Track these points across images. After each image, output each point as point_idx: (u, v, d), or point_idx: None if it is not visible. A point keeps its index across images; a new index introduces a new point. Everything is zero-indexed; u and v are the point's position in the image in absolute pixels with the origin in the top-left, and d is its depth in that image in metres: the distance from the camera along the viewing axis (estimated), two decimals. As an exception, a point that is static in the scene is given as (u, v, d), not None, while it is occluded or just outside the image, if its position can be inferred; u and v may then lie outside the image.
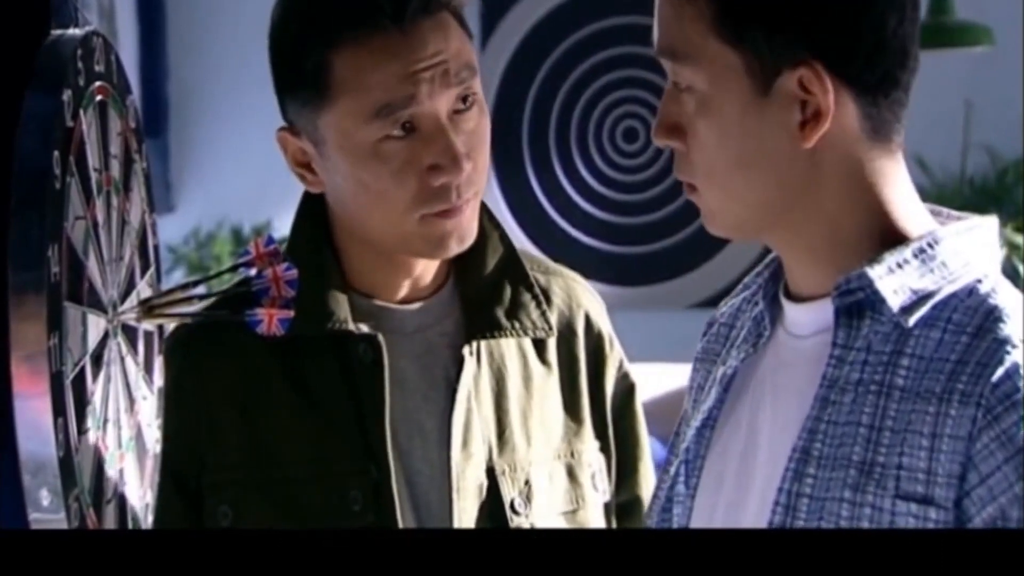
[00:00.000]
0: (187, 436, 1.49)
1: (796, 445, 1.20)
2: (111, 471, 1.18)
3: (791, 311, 1.28)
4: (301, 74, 1.49)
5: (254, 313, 1.21)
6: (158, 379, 1.36)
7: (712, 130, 1.21)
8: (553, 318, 1.62)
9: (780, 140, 1.20)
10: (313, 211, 1.59)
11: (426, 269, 1.58)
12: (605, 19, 5.46)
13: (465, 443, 1.55)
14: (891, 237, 1.22)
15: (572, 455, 1.62)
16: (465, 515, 1.53)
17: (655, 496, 1.40)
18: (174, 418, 1.53)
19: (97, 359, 1.15)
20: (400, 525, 1.51)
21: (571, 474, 1.61)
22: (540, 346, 1.63)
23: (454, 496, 1.53)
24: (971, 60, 4.29)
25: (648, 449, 1.71)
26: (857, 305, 1.21)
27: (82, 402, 1.10)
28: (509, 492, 1.56)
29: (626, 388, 1.68)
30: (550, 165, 5.40)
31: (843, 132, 1.20)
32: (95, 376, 1.14)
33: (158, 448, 1.43)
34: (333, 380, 1.54)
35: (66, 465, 1.03)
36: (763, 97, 1.20)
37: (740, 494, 1.27)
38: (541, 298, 1.62)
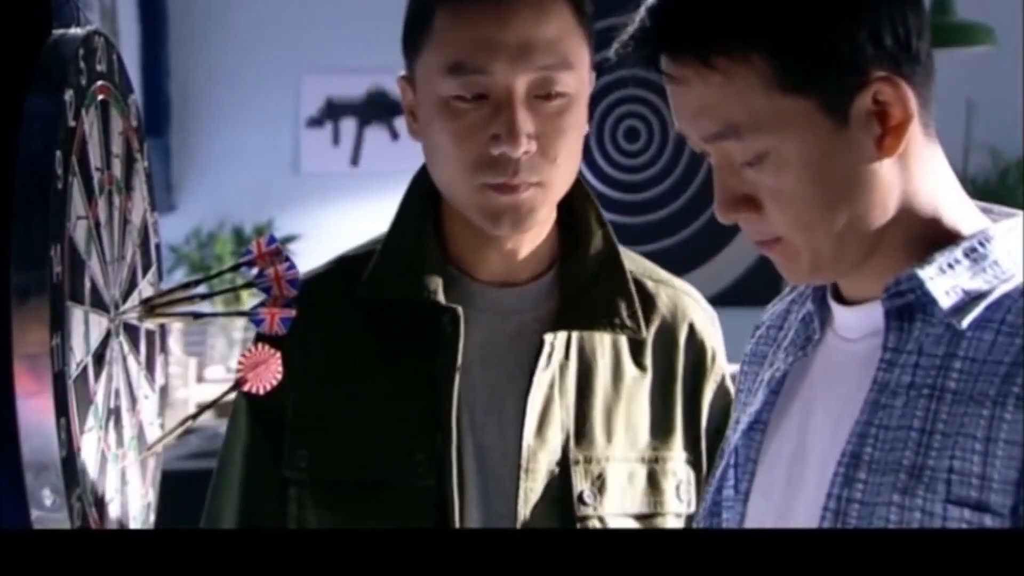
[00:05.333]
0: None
1: (845, 450, 1.18)
2: (113, 470, 1.18)
3: (840, 314, 1.26)
4: (412, 19, 1.57)
5: (256, 312, 1.21)
6: (160, 378, 1.36)
7: (797, 182, 1.17)
8: (654, 324, 1.65)
9: (867, 160, 1.17)
10: (424, 185, 1.65)
11: (517, 251, 1.62)
12: (605, 19, 5.46)
13: (541, 427, 1.58)
14: (942, 235, 1.19)
15: (656, 461, 1.63)
16: (532, 496, 1.57)
17: (701, 499, 1.39)
18: None
19: (99, 358, 1.15)
20: (459, 495, 1.55)
21: (652, 479, 1.63)
22: (636, 348, 1.65)
23: (522, 476, 1.57)
24: (973, 60, 4.29)
25: None
26: (908, 307, 1.18)
27: (84, 402, 1.10)
28: (580, 483, 1.59)
29: (726, 405, 1.69)
30: (551, 165, 5.40)
31: (912, 128, 1.18)
32: (97, 376, 1.14)
33: (160, 447, 1.43)
34: (416, 347, 1.60)
35: (68, 465, 1.03)
36: (842, 128, 1.16)
37: (791, 500, 1.25)
38: (635, 298, 1.65)
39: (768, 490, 1.29)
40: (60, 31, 1.12)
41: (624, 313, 1.63)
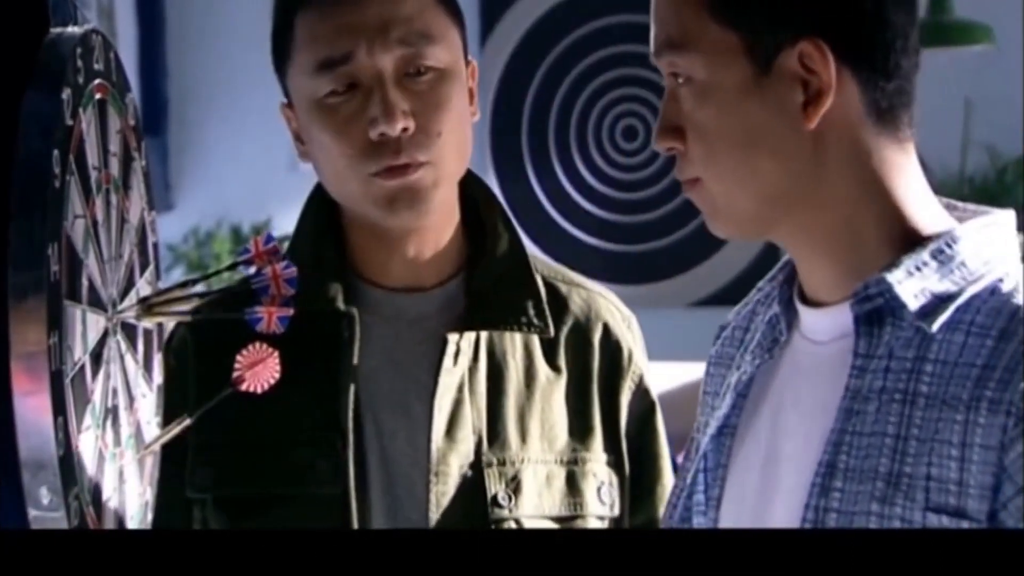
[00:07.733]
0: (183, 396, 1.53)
1: (821, 459, 1.17)
2: (110, 469, 1.18)
3: (808, 316, 1.25)
4: (277, 39, 1.57)
5: (254, 311, 1.21)
6: (157, 376, 1.36)
7: (713, 116, 1.19)
8: (566, 324, 1.63)
9: (783, 121, 1.18)
10: (320, 199, 1.63)
11: (421, 254, 1.60)
12: (604, 17, 5.46)
13: (450, 430, 1.56)
14: (906, 237, 1.19)
15: (576, 463, 1.61)
16: (444, 500, 1.54)
17: (670, 503, 1.38)
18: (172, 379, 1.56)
19: (96, 357, 1.15)
20: (360, 502, 1.53)
21: (572, 481, 1.60)
22: (549, 349, 1.63)
23: (432, 480, 1.54)
24: (971, 59, 4.29)
25: (668, 469, 1.69)
26: (877, 312, 1.17)
27: (82, 400, 1.10)
28: (494, 486, 1.56)
29: (645, 406, 1.67)
30: (550, 164, 5.40)
31: (846, 114, 1.18)
32: (94, 374, 1.14)
33: (158, 445, 1.43)
34: (317, 356, 1.56)
35: (66, 463, 1.03)
36: (764, 77, 1.18)
37: (764, 506, 1.23)
38: (542, 297, 1.63)
39: (740, 496, 1.28)
40: (58, 30, 1.12)
41: (531, 312, 1.61)
